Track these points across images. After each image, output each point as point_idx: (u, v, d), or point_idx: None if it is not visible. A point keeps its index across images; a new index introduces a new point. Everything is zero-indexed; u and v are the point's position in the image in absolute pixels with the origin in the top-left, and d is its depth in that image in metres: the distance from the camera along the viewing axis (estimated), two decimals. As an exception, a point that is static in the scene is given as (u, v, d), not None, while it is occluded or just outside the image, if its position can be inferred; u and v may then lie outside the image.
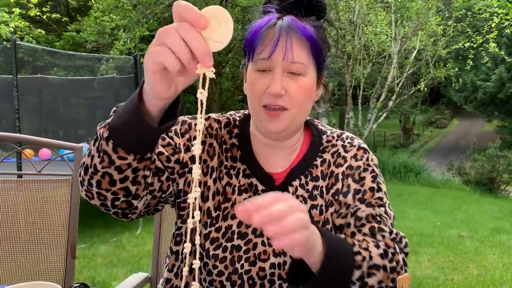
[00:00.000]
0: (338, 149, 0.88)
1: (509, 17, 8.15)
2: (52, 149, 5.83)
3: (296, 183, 0.84)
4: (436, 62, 9.97)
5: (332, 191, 0.85)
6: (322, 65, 0.82)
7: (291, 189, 0.84)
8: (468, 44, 9.52)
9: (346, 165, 0.86)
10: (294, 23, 0.77)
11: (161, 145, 0.80)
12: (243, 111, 0.93)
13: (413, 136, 21.03)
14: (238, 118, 0.90)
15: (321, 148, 0.87)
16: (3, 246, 1.21)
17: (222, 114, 0.92)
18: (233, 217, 0.82)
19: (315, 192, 0.84)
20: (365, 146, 0.90)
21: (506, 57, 11.31)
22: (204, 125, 0.85)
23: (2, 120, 6.56)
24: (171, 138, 0.82)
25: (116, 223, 4.69)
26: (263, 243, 0.82)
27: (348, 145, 0.88)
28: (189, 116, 0.87)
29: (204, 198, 0.82)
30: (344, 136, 0.90)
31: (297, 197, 0.84)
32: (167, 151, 0.80)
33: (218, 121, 0.88)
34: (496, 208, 6.86)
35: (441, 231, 5.00)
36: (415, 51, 8.87)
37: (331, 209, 0.84)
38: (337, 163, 0.86)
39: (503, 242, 4.64)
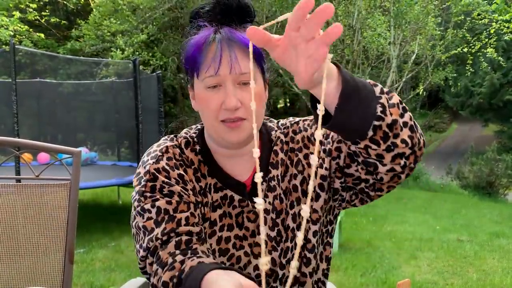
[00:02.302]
0: (280, 138, 0.88)
1: (507, 25, 8.19)
2: (50, 154, 5.82)
3: (263, 186, 0.84)
4: (435, 67, 9.99)
5: (287, 178, 0.86)
6: (265, 68, 0.83)
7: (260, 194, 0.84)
8: (466, 49, 9.55)
9: (291, 146, 0.88)
10: (233, 34, 0.77)
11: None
12: (194, 127, 0.91)
13: (412, 140, 20.93)
14: (194, 135, 0.88)
15: (272, 145, 0.88)
16: (1, 251, 1.20)
17: (173, 136, 0.88)
18: (211, 236, 0.83)
19: (273, 183, 0.85)
20: (294, 119, 0.91)
21: (503, 63, 11.33)
22: (169, 159, 0.83)
23: (0, 124, 6.56)
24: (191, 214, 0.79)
25: (114, 228, 4.68)
26: (246, 254, 0.83)
27: (285, 130, 0.89)
28: (153, 168, 0.82)
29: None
30: (280, 124, 0.91)
31: (266, 200, 0.84)
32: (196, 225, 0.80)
33: (176, 146, 0.86)
34: (495, 212, 6.86)
35: (440, 235, 5.00)
36: (414, 55, 8.90)
37: (291, 197, 0.85)
38: (284, 151, 0.87)
39: (502, 246, 4.64)
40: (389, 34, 8.54)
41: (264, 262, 0.44)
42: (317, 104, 0.53)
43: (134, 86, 5.51)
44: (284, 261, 0.83)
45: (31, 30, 9.29)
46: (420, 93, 10.43)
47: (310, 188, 0.42)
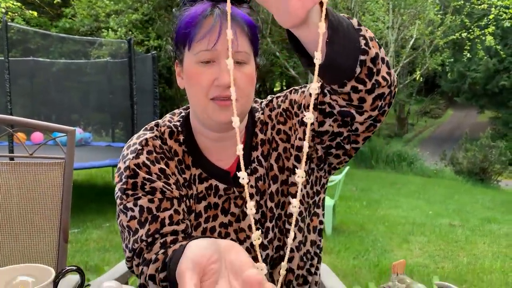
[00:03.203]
0: (261, 119, 0.87)
1: (507, 11, 8.13)
2: (44, 132, 5.80)
3: (248, 171, 0.83)
4: (433, 52, 9.95)
5: (267, 157, 0.85)
6: (258, 51, 0.81)
7: (247, 178, 0.84)
8: (465, 34, 9.50)
9: (268, 125, 0.86)
10: (233, 10, 0.74)
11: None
12: (178, 112, 0.88)
13: (408, 126, 21.11)
14: (178, 123, 0.85)
15: (254, 127, 0.86)
16: (-6, 229, 1.19)
17: (154, 125, 0.85)
18: (196, 227, 0.81)
19: (254, 165, 0.84)
20: (271, 97, 0.90)
21: (501, 52, 11.30)
22: (149, 152, 0.80)
23: (-7, 103, 6.48)
24: (174, 210, 0.77)
25: (109, 209, 4.68)
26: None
27: (264, 109, 0.88)
28: (133, 164, 0.78)
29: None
30: (263, 104, 0.89)
31: (252, 186, 0.83)
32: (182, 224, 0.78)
33: (156, 137, 0.82)
34: (487, 198, 6.94)
35: (433, 220, 5.06)
36: (412, 40, 8.85)
37: (270, 175, 0.84)
38: (264, 131, 0.86)
39: (493, 231, 4.71)
40: (388, 18, 8.47)
41: (255, 237, 0.43)
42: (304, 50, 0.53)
43: (128, 67, 5.45)
44: (266, 242, 0.83)
45: (23, 7, 9.11)
46: (417, 78, 10.41)
47: (305, 149, 0.40)
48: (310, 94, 0.81)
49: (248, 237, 0.83)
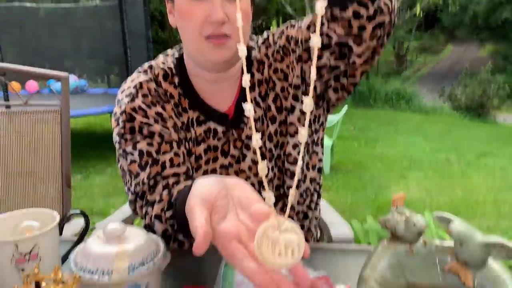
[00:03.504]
0: (257, 58, 0.85)
1: None
2: (38, 80, 5.71)
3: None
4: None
5: (268, 98, 0.84)
6: None
7: (246, 120, 0.83)
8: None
9: (265, 64, 0.84)
10: None
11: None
12: (171, 52, 0.86)
13: (406, 63, 20.79)
14: (172, 65, 0.83)
15: (251, 67, 0.84)
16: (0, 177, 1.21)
17: (148, 68, 0.83)
18: (197, 169, 0.82)
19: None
20: (266, 32, 0.88)
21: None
22: (144, 96, 0.79)
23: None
24: (174, 153, 0.77)
25: (110, 154, 4.73)
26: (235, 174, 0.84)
27: (260, 47, 0.86)
28: (129, 108, 0.78)
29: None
30: (259, 42, 0.87)
31: (250, 128, 0.83)
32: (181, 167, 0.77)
33: (151, 80, 0.81)
34: (484, 133, 7.01)
35: (430, 156, 5.14)
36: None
37: (268, 116, 0.84)
38: (261, 70, 0.84)
39: (488, 165, 4.80)
40: None
41: (262, 167, 0.44)
42: None
43: (119, 10, 5.26)
44: (266, 180, 0.85)
45: None
46: (417, 13, 10.09)
47: (313, 76, 0.40)
48: (308, 27, 0.79)
49: (249, 177, 0.85)
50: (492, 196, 3.78)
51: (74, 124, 6.20)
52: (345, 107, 4.53)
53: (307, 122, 0.40)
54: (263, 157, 0.85)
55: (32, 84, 5.76)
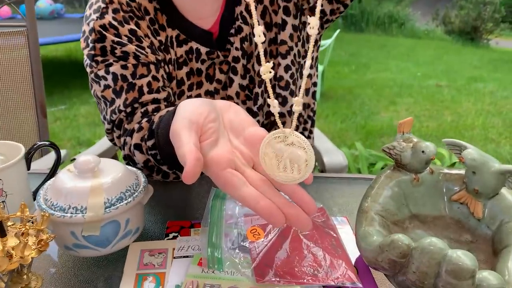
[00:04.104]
0: None
1: None
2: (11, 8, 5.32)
3: (232, 31, 0.74)
4: None
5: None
6: None
7: (232, 39, 0.74)
8: None
9: None
10: None
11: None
12: None
13: (400, -16, 19.89)
14: None
15: None
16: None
17: None
18: (180, 96, 0.74)
19: (238, 23, 0.74)
20: None
21: None
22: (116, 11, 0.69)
23: None
24: (152, 77, 0.68)
25: (93, 84, 4.57)
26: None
27: None
28: (99, 25, 0.67)
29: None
30: None
31: (237, 48, 0.74)
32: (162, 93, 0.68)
33: None
34: (476, 57, 6.90)
35: (420, 81, 5.08)
36: None
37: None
38: None
39: (478, 90, 4.78)
40: None
41: (266, 69, 0.37)
42: None
43: None
44: (255, 108, 0.77)
45: None
46: None
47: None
48: None
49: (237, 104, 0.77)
50: (481, 120, 3.79)
51: (54, 51, 5.92)
52: (337, 31, 4.35)
53: (309, 53, 0.32)
54: (252, 81, 0.77)
55: (3, 10, 5.38)
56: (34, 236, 0.47)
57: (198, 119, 0.42)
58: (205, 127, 0.43)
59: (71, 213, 0.50)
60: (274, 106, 0.38)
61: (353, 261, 0.51)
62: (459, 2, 9.10)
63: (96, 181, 0.52)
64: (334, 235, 0.53)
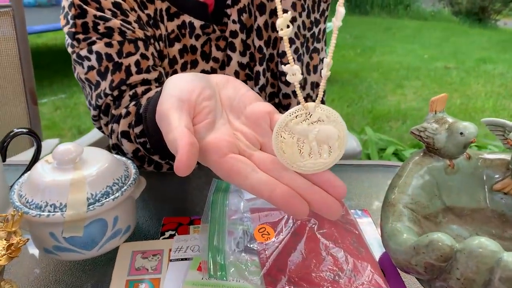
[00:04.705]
0: None
1: None
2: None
3: (229, 2, 0.65)
4: None
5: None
6: None
7: (229, 11, 0.65)
8: None
9: None
10: None
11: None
12: None
13: (405, -35, 19.52)
14: None
15: None
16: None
17: None
18: (173, 74, 0.66)
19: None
20: None
21: None
22: None
23: None
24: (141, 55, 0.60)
25: (94, 72, 4.49)
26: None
27: None
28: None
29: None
30: None
31: (234, 21, 0.65)
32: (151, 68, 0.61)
33: None
34: (484, 38, 6.75)
35: (428, 64, 4.96)
36: None
37: (256, 1, 0.66)
38: None
39: (488, 71, 4.66)
40: None
41: (284, 23, 0.29)
42: None
43: None
44: (257, 89, 0.69)
45: None
46: None
47: None
48: None
49: None
50: (491, 102, 3.69)
51: (53, 39, 5.82)
52: (342, 13, 4.22)
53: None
54: (253, 59, 0.68)
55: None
56: (5, 240, 0.40)
57: (190, 97, 0.34)
58: (199, 107, 0.35)
59: (49, 212, 0.43)
60: (294, 73, 0.30)
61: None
62: (466, -18, 8.88)
63: (77, 173, 0.44)
64: (356, 232, 0.46)
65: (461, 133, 0.42)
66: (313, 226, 0.44)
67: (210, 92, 0.36)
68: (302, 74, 0.71)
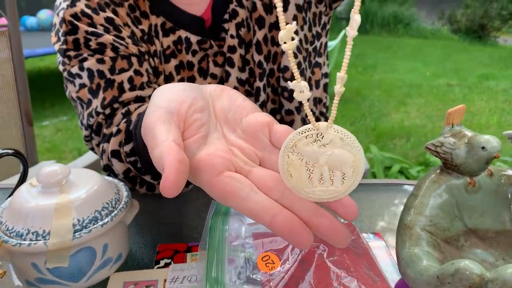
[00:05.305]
0: None
1: None
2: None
3: (226, 16, 0.63)
4: None
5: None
6: None
7: (227, 26, 0.63)
8: None
9: None
10: None
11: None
12: None
13: (403, -14, 19.81)
14: None
15: None
16: None
17: None
18: None
19: (233, 6, 0.63)
20: None
21: None
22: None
23: None
24: (136, 72, 0.58)
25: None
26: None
27: None
28: (69, 15, 0.57)
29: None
30: None
31: (233, 36, 0.63)
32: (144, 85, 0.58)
33: None
34: (485, 55, 6.77)
35: (430, 81, 4.95)
36: None
37: (254, 14, 0.64)
38: None
39: (491, 88, 4.64)
40: None
41: (288, 35, 0.26)
42: None
43: None
44: (257, 106, 0.66)
45: None
46: None
47: None
48: None
49: None
50: (496, 118, 3.66)
51: (55, 62, 5.87)
52: (342, 32, 4.25)
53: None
54: (252, 75, 0.65)
55: None
56: (-20, 272, 0.36)
57: (180, 108, 0.31)
58: (190, 119, 0.31)
59: (30, 240, 0.39)
60: (302, 90, 0.26)
61: (394, 292, 0.40)
62: (464, 1, 8.97)
63: (63, 197, 0.41)
64: (369, 258, 0.42)
65: (483, 148, 0.39)
66: (323, 252, 0.40)
67: (202, 103, 0.32)
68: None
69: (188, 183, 0.57)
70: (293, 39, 0.27)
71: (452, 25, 8.95)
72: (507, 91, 4.51)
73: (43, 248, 0.38)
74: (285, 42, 0.27)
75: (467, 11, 8.56)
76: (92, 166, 0.92)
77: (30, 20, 5.00)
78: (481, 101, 4.17)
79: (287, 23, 0.26)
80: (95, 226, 0.40)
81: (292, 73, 0.65)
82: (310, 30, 0.68)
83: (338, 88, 0.27)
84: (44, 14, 5.44)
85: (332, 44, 4.01)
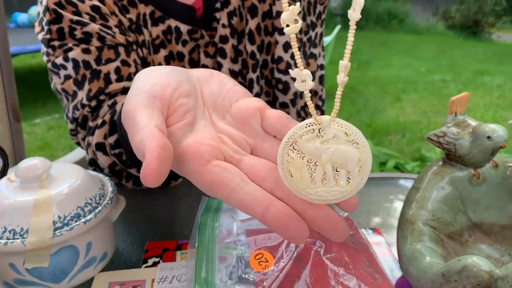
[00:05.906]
0: None
1: None
2: None
3: (218, 5, 0.60)
4: None
5: None
6: None
7: (218, 15, 0.60)
8: None
9: None
10: None
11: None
12: None
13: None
14: None
15: None
16: None
17: None
18: None
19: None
20: None
21: None
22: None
23: None
24: (123, 62, 0.55)
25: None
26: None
27: None
28: (53, 3, 0.54)
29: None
30: None
31: (224, 25, 0.60)
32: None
33: None
34: (480, 51, 6.79)
35: (425, 77, 4.95)
36: None
37: (247, 3, 0.62)
38: None
39: (485, 83, 4.65)
40: None
41: (291, 17, 0.23)
42: None
43: None
44: None
45: None
46: None
47: None
48: None
49: None
50: (491, 114, 3.66)
51: (40, 60, 5.81)
52: (337, 27, 4.23)
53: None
54: (245, 66, 0.63)
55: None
56: (-48, 274, 0.33)
57: (164, 92, 0.28)
58: (174, 104, 0.28)
59: (7, 239, 0.36)
60: (305, 79, 0.24)
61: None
62: (459, -3, 8.99)
63: (43, 192, 0.38)
64: (368, 254, 0.40)
65: (489, 137, 0.36)
66: (319, 249, 0.38)
67: (188, 88, 0.30)
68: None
69: (177, 176, 0.54)
70: (296, 21, 0.24)
71: (447, 21, 8.97)
72: (502, 86, 4.52)
73: (21, 247, 0.36)
74: (287, 25, 0.24)
75: (461, 7, 8.58)
76: (81, 162, 0.90)
77: (21, 17, 4.93)
78: (476, 96, 4.18)
79: (289, 4, 0.24)
80: (77, 223, 0.38)
81: (287, 64, 0.63)
82: (304, 19, 0.65)
83: (342, 78, 0.25)
84: (35, 11, 5.38)
85: (326, 40, 3.98)
